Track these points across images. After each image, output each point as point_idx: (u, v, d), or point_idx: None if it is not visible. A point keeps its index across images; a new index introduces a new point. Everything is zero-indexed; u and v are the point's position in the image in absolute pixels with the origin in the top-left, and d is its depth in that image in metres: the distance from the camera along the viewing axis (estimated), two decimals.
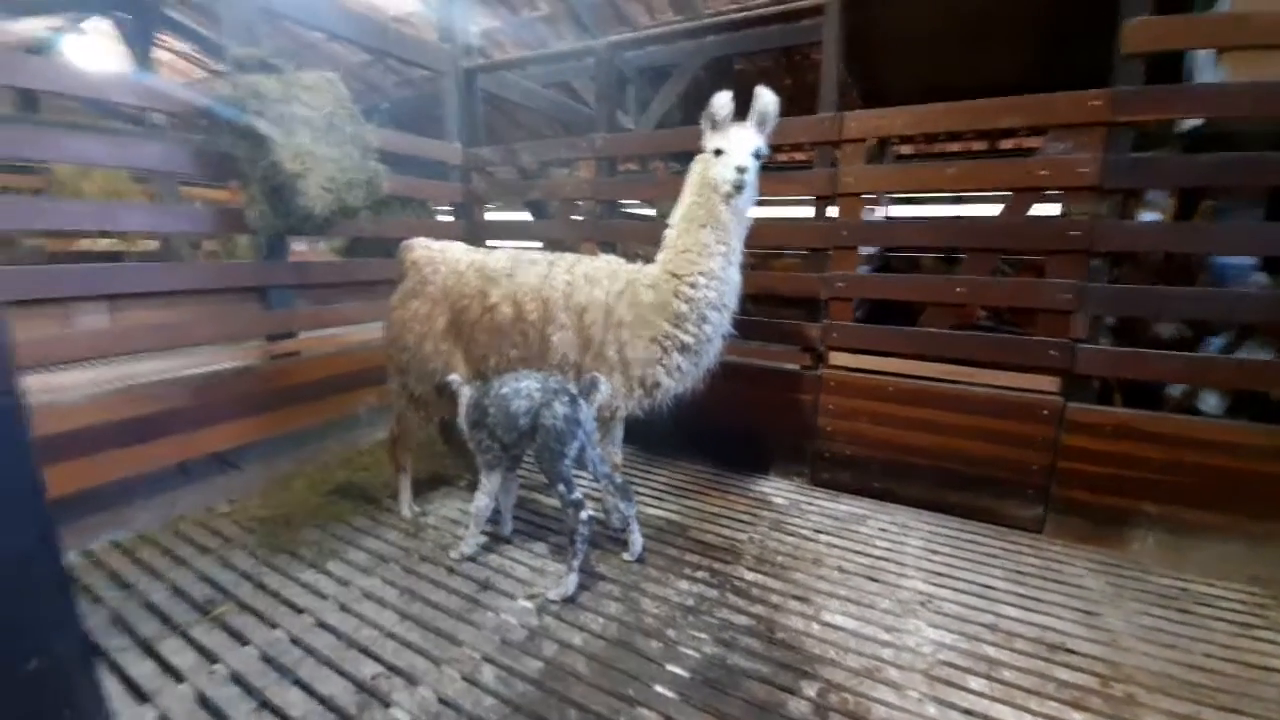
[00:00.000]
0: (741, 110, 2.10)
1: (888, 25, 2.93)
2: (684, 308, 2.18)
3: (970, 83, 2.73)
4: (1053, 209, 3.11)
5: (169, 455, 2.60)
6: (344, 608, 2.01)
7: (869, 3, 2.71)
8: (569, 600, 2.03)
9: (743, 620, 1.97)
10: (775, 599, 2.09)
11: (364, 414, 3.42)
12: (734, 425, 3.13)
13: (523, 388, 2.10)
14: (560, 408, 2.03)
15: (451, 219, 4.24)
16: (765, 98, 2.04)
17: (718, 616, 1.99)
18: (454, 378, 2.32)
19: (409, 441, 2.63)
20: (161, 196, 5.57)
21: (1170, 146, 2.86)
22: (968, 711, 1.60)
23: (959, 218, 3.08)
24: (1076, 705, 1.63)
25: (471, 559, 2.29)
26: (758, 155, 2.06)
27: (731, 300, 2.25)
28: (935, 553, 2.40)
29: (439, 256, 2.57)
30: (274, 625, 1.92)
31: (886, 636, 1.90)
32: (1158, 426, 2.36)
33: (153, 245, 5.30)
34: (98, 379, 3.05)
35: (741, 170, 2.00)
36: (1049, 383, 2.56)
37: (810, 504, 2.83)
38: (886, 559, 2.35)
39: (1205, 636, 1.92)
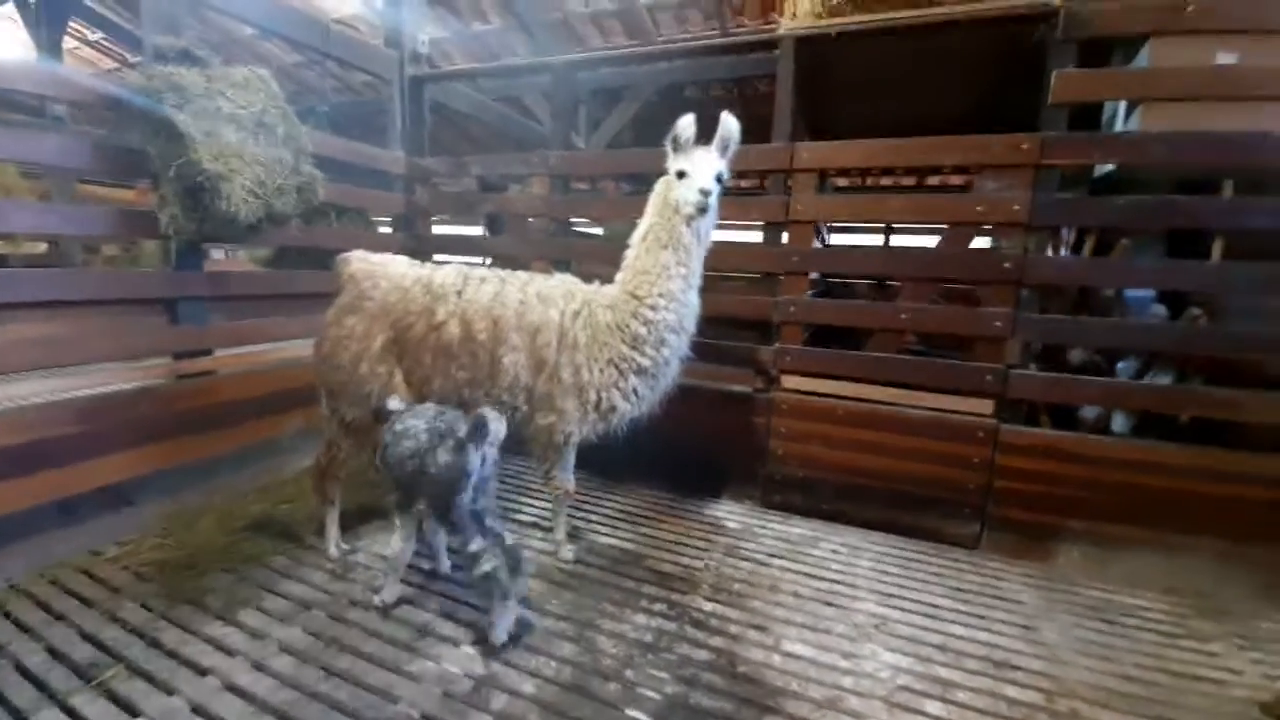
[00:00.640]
0: (699, 135, 2.11)
1: (837, 64, 3.06)
2: (642, 330, 2.14)
3: (910, 121, 2.89)
4: (983, 242, 3.31)
5: (45, 491, 2.24)
6: (258, 665, 1.76)
7: (820, 41, 2.83)
8: (518, 642, 1.88)
9: (702, 655, 1.90)
10: (734, 629, 2.03)
11: (286, 439, 3.12)
12: (686, 448, 3.08)
13: (410, 428, 1.91)
14: (443, 455, 1.83)
15: (390, 231, 4.03)
16: (729, 123, 2.07)
17: (677, 652, 1.90)
18: (394, 402, 2.12)
19: (338, 471, 2.39)
20: (53, 195, 4.98)
21: (1081, 188, 3.12)
22: None
23: (904, 248, 3.23)
24: None
25: (409, 601, 2.10)
26: (720, 179, 2.07)
27: (690, 324, 2.23)
28: (885, 573, 2.43)
29: (380, 270, 2.39)
30: (171, 691, 1.66)
31: (845, 664, 1.88)
32: (1081, 447, 2.53)
33: (40, 249, 4.71)
34: None
35: (705, 193, 2.00)
36: (984, 406, 2.69)
37: (763, 527, 2.82)
38: (840, 582, 2.35)
39: (1134, 647, 2.02)
